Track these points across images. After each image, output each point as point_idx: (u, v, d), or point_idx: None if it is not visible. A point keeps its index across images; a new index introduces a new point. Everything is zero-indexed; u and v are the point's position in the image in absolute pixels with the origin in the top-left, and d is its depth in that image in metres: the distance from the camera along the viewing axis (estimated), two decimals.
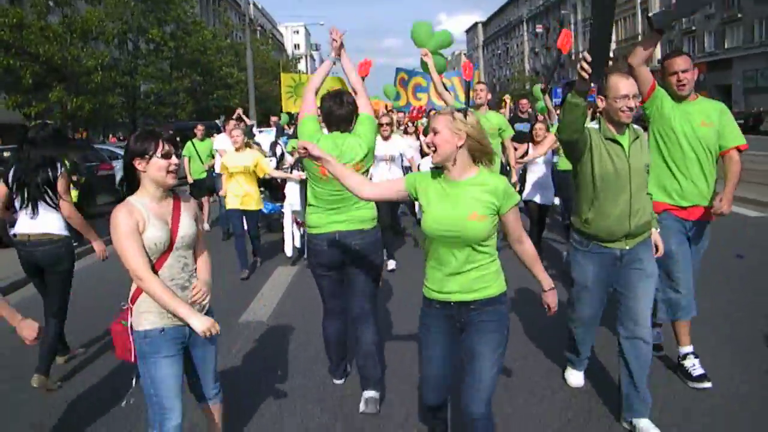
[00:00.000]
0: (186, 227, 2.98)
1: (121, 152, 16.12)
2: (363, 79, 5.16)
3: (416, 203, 8.77)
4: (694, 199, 4.14)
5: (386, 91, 10.82)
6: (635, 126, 3.70)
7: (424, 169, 8.51)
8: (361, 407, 4.06)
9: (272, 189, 8.94)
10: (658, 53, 44.45)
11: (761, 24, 44.62)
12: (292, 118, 13.13)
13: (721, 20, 49.69)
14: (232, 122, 10.28)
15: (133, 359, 2.94)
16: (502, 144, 7.36)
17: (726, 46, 48.73)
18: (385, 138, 7.71)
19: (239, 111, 13.82)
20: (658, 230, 3.90)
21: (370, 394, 4.11)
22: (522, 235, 2.96)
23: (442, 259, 2.93)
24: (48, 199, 4.53)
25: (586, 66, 3.19)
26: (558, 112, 8.11)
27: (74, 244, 5.08)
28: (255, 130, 11.61)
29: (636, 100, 3.54)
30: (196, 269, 3.10)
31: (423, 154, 9.54)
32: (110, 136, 37.16)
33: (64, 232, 4.66)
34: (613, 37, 65.16)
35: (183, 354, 3.01)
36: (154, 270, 2.86)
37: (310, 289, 5.59)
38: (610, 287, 3.82)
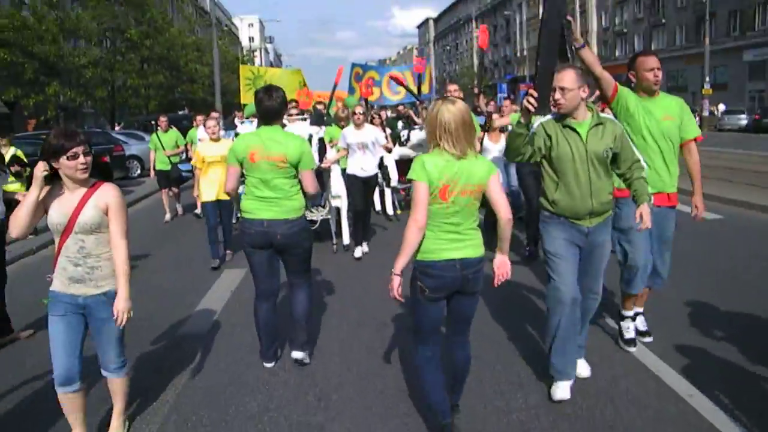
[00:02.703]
0: (87, 215, 3.24)
1: (121, 138, 18.78)
2: (334, 87, 6.47)
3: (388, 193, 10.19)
4: (657, 186, 4.39)
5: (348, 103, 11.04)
6: (604, 115, 3.92)
7: (389, 161, 9.42)
8: (279, 353, 4.73)
9: None
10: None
11: (681, 29, 48.90)
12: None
13: (648, 24, 53.98)
14: (207, 116, 10.26)
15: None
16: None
17: (653, 48, 52.42)
18: (358, 126, 7.76)
19: (237, 113, 13.84)
20: (650, 203, 3.98)
21: (297, 354, 4.61)
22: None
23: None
24: None
25: (532, 100, 3.51)
26: (492, 107, 8.99)
27: None
28: (237, 121, 11.87)
29: (570, 93, 3.68)
30: (102, 253, 3.34)
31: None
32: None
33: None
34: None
35: (79, 321, 3.36)
36: (58, 246, 3.30)
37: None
38: (578, 255, 3.96)
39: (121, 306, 3.28)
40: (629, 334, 4.70)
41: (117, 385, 3.55)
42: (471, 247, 3.33)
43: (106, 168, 14.21)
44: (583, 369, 4.16)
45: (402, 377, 4.32)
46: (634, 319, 4.77)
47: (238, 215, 10.28)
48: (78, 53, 24.38)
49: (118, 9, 26.87)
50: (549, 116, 3.86)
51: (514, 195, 8.14)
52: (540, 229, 4.07)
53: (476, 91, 10.64)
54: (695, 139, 4.53)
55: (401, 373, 4.37)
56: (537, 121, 3.84)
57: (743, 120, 34.95)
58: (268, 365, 4.60)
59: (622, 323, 4.75)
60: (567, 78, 3.68)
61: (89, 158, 3.19)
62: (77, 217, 3.20)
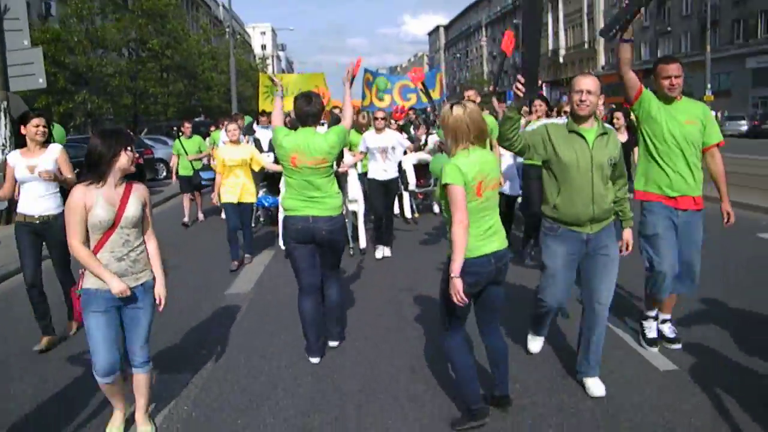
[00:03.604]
0: (131, 209, 3.40)
1: (148, 142, 19.98)
2: (353, 79, 6.92)
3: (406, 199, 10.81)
4: (682, 189, 4.39)
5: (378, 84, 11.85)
6: (607, 125, 3.96)
7: (407, 165, 9.56)
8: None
9: (273, 182, 9.00)
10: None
11: (687, 37, 49.80)
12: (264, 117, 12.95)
13: (654, 32, 54.91)
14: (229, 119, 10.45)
15: (81, 318, 3.49)
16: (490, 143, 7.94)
17: (659, 55, 53.45)
18: (379, 130, 7.88)
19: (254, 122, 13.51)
20: (630, 228, 4.10)
21: (333, 344, 4.92)
22: None
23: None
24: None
25: (520, 86, 3.53)
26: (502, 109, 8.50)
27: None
28: (255, 126, 11.90)
29: (593, 96, 3.74)
30: (140, 245, 3.51)
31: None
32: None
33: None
34: (563, 44, 70.06)
35: (117, 315, 3.44)
36: (99, 242, 3.36)
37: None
38: (575, 272, 4.04)
39: (163, 291, 3.58)
40: (651, 333, 4.75)
41: (142, 380, 3.63)
42: (500, 239, 3.54)
43: (141, 169, 15.08)
44: (597, 388, 4.02)
45: (429, 373, 4.45)
46: (656, 318, 4.79)
47: (258, 218, 10.72)
48: (105, 63, 25.82)
49: (141, 20, 28.30)
50: (559, 120, 4.03)
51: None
52: (540, 240, 4.18)
53: (492, 89, 10.97)
54: (717, 144, 4.50)
55: (428, 371, 4.49)
56: (540, 122, 4.00)
57: (743, 126, 35.83)
58: (315, 360, 4.69)
59: (644, 323, 4.81)
60: (592, 83, 3.77)
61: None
62: (123, 212, 3.37)
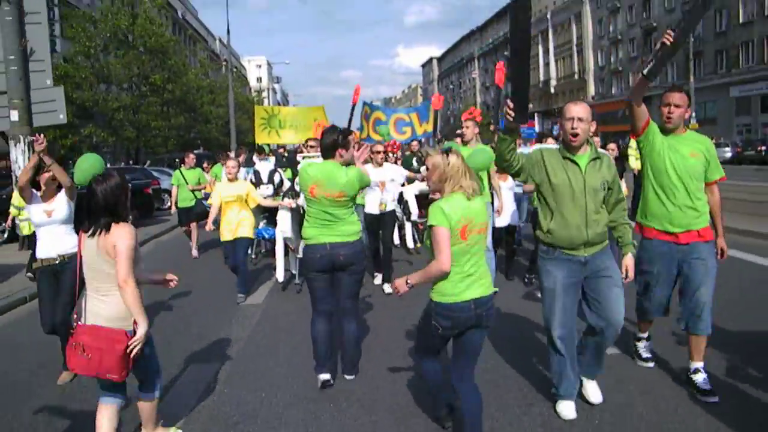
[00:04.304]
0: None
1: (155, 174, 20.77)
2: (353, 107, 7.00)
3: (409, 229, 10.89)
4: (682, 224, 4.31)
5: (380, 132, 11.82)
6: (600, 150, 3.99)
7: (408, 195, 9.53)
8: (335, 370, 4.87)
9: (273, 215, 8.89)
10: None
11: (673, 66, 51.08)
12: (263, 150, 13.09)
13: (641, 62, 56.06)
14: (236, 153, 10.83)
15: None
16: (488, 174, 7.34)
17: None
18: (378, 164, 7.92)
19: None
20: (633, 254, 4.05)
21: (348, 377, 4.90)
22: None
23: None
24: None
25: (510, 111, 3.60)
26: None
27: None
28: (255, 158, 11.85)
29: (584, 124, 3.76)
30: None
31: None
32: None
33: None
34: (554, 74, 71.56)
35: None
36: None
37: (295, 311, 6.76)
38: (578, 295, 4.00)
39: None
40: (646, 353, 4.87)
41: (144, 408, 3.80)
42: (484, 285, 3.48)
43: (149, 199, 15.86)
44: (595, 394, 4.14)
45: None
46: (648, 339, 4.89)
47: (259, 251, 10.79)
48: (111, 98, 26.83)
49: (144, 57, 29.43)
50: (552, 145, 3.97)
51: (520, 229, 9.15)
52: (538, 265, 4.15)
53: (493, 128, 11.20)
54: (718, 180, 4.46)
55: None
56: (537, 146, 3.89)
57: (728, 153, 36.92)
58: (325, 377, 4.70)
59: (637, 344, 4.90)
60: (583, 110, 3.80)
61: None
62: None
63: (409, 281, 3.49)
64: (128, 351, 3.40)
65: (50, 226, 5.14)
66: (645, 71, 4.10)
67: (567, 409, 4.05)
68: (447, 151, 3.51)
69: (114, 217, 3.50)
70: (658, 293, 4.49)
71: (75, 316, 3.57)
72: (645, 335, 4.87)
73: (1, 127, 10.34)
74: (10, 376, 5.41)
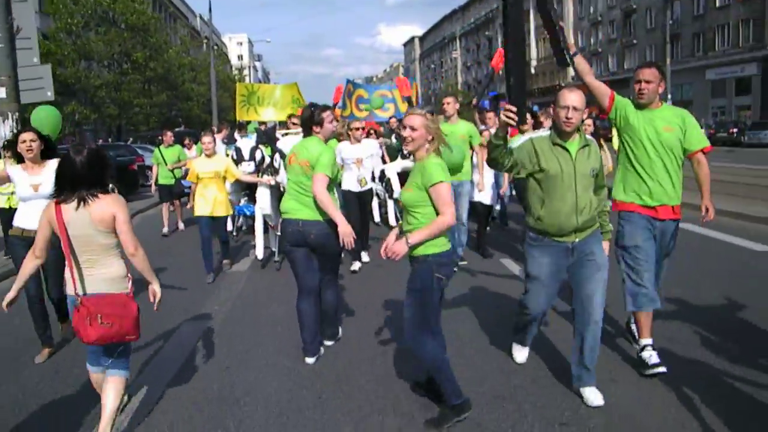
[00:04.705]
0: None
1: (139, 151, 20.90)
2: (335, 105, 6.97)
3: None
4: (662, 198, 4.29)
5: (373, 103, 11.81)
6: (588, 136, 3.93)
7: (391, 173, 9.25)
8: (321, 350, 4.93)
9: (253, 192, 8.91)
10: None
11: (652, 49, 51.66)
12: (244, 127, 13.42)
13: (621, 44, 56.80)
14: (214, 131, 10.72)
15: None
16: (472, 149, 7.60)
17: (625, 67, 55.20)
18: (357, 141, 7.93)
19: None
20: (608, 239, 4.08)
21: (329, 343, 5.10)
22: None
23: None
24: None
25: (512, 115, 3.54)
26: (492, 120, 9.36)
27: None
28: (236, 135, 11.82)
29: (579, 113, 3.73)
30: None
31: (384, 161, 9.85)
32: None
33: None
34: (534, 55, 71.90)
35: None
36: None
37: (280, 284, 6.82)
38: (561, 280, 4.06)
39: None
40: (653, 360, 4.31)
41: (109, 381, 3.64)
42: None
43: (134, 175, 16.14)
44: (595, 397, 3.92)
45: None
46: (654, 347, 4.38)
47: (239, 227, 10.81)
48: (93, 76, 26.84)
49: (126, 34, 29.40)
50: (543, 132, 4.00)
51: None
52: (525, 250, 4.17)
53: (474, 103, 11.49)
54: (703, 150, 4.33)
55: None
56: (525, 136, 3.89)
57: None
58: (310, 360, 4.78)
59: (642, 354, 4.38)
60: (578, 98, 3.74)
61: None
62: None
63: (410, 241, 3.53)
64: (139, 311, 3.57)
65: (36, 201, 4.79)
66: (570, 55, 4.18)
67: (520, 354, 4.55)
68: (431, 113, 3.66)
69: (97, 187, 3.47)
70: (647, 269, 4.34)
71: (75, 287, 3.52)
72: (649, 341, 4.39)
73: None
74: None
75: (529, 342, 4.53)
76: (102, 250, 3.49)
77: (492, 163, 3.92)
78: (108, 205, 3.44)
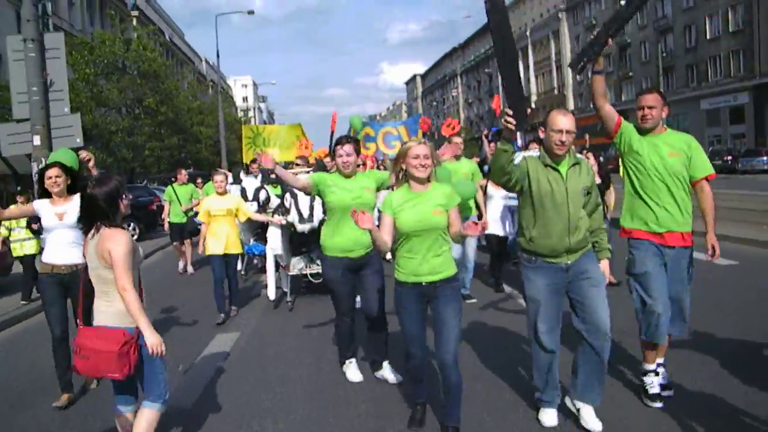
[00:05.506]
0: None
1: (156, 191, 21.82)
2: (332, 134, 6.96)
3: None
4: (669, 224, 4.18)
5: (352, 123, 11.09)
6: (577, 154, 3.97)
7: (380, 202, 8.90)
8: (383, 376, 5.06)
9: (263, 231, 8.93)
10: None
11: (647, 81, 52.77)
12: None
13: (618, 77, 58.15)
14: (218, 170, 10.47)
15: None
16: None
17: (623, 99, 56.61)
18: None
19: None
20: (608, 259, 4.07)
21: (386, 371, 5.08)
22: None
23: (413, 248, 3.82)
24: None
25: (510, 119, 3.60)
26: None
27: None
28: (242, 175, 11.62)
29: (571, 136, 3.76)
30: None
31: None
32: None
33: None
34: (534, 90, 73.33)
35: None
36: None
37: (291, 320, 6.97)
38: (562, 301, 3.96)
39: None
40: (653, 389, 4.31)
41: (140, 415, 3.58)
42: None
43: (154, 214, 17.11)
44: (593, 422, 3.91)
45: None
46: (657, 374, 4.37)
47: (248, 266, 10.95)
48: (109, 121, 28.11)
49: (140, 81, 30.74)
50: (533, 153, 3.96)
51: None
52: (522, 274, 4.09)
53: (486, 133, 11.35)
54: (707, 178, 4.24)
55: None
56: (521, 155, 3.94)
57: None
58: (350, 362, 5.19)
59: (645, 378, 4.37)
60: (570, 122, 3.77)
61: None
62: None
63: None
64: (125, 350, 3.35)
65: (61, 230, 4.93)
66: (587, 66, 4.27)
67: (549, 416, 4.09)
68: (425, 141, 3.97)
69: (106, 220, 3.46)
70: (661, 295, 4.19)
71: (79, 321, 3.59)
72: (652, 367, 4.37)
73: (26, 150, 11.51)
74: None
75: (556, 400, 4.14)
76: (108, 283, 3.46)
77: (499, 172, 3.87)
78: (105, 240, 3.42)
